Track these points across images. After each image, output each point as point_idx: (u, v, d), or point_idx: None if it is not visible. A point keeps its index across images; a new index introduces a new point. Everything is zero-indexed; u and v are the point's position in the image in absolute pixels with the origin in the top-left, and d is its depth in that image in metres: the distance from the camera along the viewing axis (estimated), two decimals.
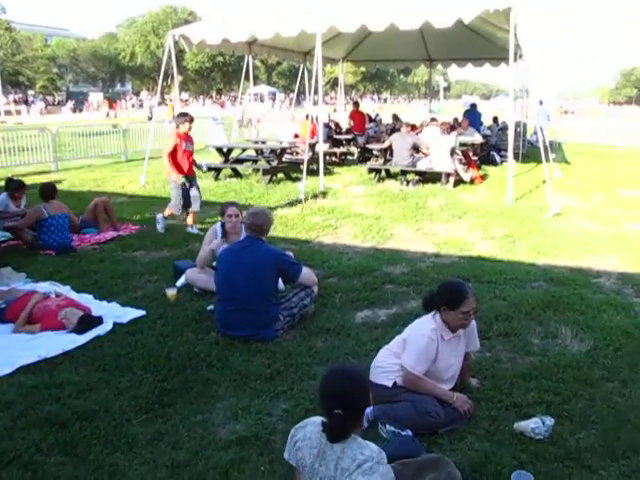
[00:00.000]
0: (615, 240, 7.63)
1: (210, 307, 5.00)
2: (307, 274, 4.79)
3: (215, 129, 18.91)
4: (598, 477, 2.95)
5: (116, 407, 3.57)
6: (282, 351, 4.30)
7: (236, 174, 12.85)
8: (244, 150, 14.01)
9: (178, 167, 7.69)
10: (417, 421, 3.25)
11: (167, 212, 7.93)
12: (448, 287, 3.49)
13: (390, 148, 12.73)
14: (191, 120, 7.83)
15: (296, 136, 15.17)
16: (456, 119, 17.08)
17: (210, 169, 12.65)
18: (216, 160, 13.26)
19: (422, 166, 11.83)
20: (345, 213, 9.12)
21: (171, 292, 5.35)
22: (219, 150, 13.16)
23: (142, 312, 5.04)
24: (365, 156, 15.47)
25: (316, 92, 11.43)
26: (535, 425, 3.28)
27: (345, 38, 15.18)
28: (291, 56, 17.30)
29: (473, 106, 18.23)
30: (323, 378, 2.32)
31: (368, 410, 3.14)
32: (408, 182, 11.86)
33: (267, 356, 4.24)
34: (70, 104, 53.96)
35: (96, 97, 60.91)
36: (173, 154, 7.68)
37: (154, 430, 3.35)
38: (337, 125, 17.95)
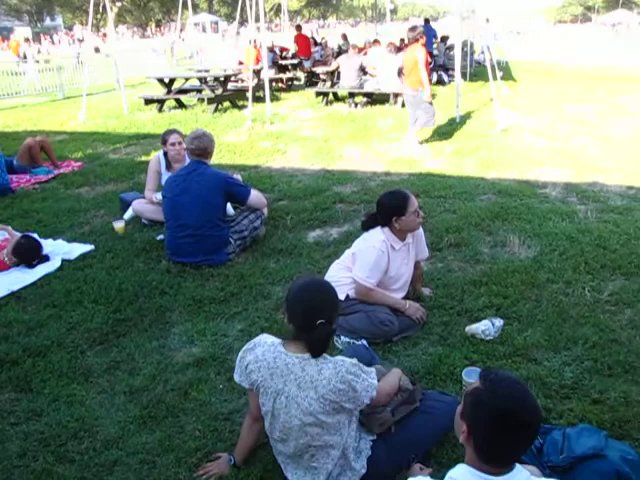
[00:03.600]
0: (561, 153, 7.77)
1: (160, 236, 4.90)
2: (256, 196, 4.72)
3: (155, 60, 18.11)
4: (543, 368, 3.10)
5: (69, 341, 3.51)
6: (235, 274, 4.29)
7: (180, 105, 12.45)
8: (187, 80, 13.50)
9: None
10: (372, 330, 3.31)
11: None
12: (388, 198, 3.43)
13: (337, 71, 12.47)
14: None
15: (240, 63, 14.70)
16: (402, 40, 16.74)
17: (152, 101, 12.20)
18: (158, 92, 12.75)
19: (370, 87, 11.68)
20: (294, 137, 8.99)
21: (119, 225, 5.21)
22: (161, 81, 12.63)
23: (90, 247, 4.91)
24: (312, 80, 15.14)
25: (258, 19, 11.00)
26: (485, 327, 3.40)
27: None
28: None
29: (426, 21, 17.83)
30: (298, 294, 2.21)
31: None
32: (356, 104, 11.73)
33: (220, 280, 4.22)
34: None
35: (22, 32, 56.83)
36: None
37: (110, 359, 3.33)
38: (283, 50, 17.40)
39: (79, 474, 2.50)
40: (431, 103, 8.05)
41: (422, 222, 3.49)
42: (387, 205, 3.40)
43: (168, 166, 5.35)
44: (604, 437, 2.32)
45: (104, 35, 45.21)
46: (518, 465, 1.58)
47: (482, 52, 16.25)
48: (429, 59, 14.28)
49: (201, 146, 4.51)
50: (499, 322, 3.45)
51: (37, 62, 18.36)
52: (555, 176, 6.75)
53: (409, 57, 7.88)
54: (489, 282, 4.07)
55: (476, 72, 16.42)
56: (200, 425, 2.75)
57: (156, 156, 5.50)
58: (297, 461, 2.27)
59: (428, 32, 16.55)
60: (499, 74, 12.39)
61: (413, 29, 7.98)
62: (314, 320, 2.11)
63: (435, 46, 17.49)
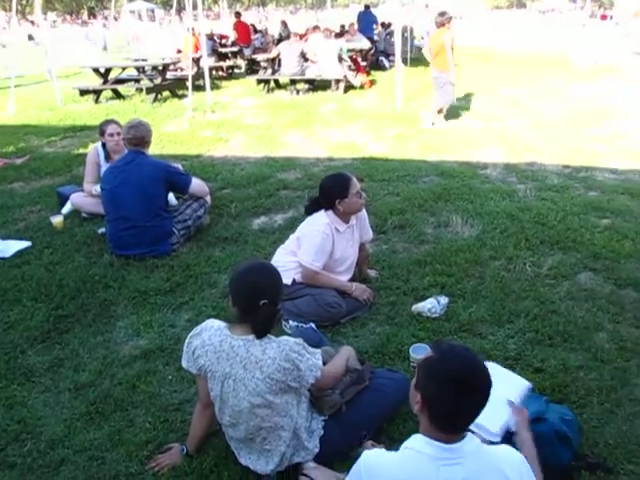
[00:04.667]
0: (499, 135, 7.97)
1: (101, 230, 4.76)
2: (198, 184, 4.65)
3: (90, 48, 17.53)
4: (488, 342, 3.19)
5: (7, 341, 3.37)
6: (180, 264, 4.22)
7: (118, 95, 12.08)
8: (124, 69, 13.10)
9: None
10: (319, 313, 3.33)
11: None
12: (330, 181, 3.45)
13: (278, 58, 12.38)
14: None
15: (179, 52, 14.39)
16: (343, 26, 16.77)
17: (88, 92, 11.81)
18: (94, 82, 12.35)
19: (311, 74, 11.66)
20: (236, 125, 8.90)
21: (57, 220, 5.03)
22: (96, 71, 12.21)
23: (27, 243, 4.72)
24: (253, 68, 14.98)
25: (195, 7, 10.79)
26: (431, 305, 3.47)
27: None
28: None
29: (367, 7, 17.82)
30: (240, 277, 2.20)
31: None
32: (298, 91, 11.70)
33: (165, 270, 4.15)
34: None
35: None
36: None
37: (52, 357, 3.22)
38: (222, 37, 17.14)
39: (21, 478, 2.41)
40: (452, 84, 8.44)
41: (364, 204, 3.51)
42: (329, 188, 3.41)
43: (107, 157, 5.19)
44: (545, 402, 2.44)
45: (32, 22, 43.31)
46: (469, 433, 1.64)
47: (422, 38, 16.42)
48: (369, 45, 14.49)
49: (138, 135, 4.40)
50: (444, 300, 3.52)
51: None
52: (495, 157, 6.92)
53: (436, 41, 8.32)
54: (433, 261, 4.15)
55: (417, 57, 16.57)
56: (150, 417, 2.71)
57: (94, 148, 5.34)
58: (249, 445, 2.27)
59: (368, 18, 16.66)
60: None
61: (442, 14, 8.33)
62: (257, 301, 2.12)
63: (376, 32, 17.58)
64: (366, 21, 16.36)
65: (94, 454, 2.51)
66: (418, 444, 1.62)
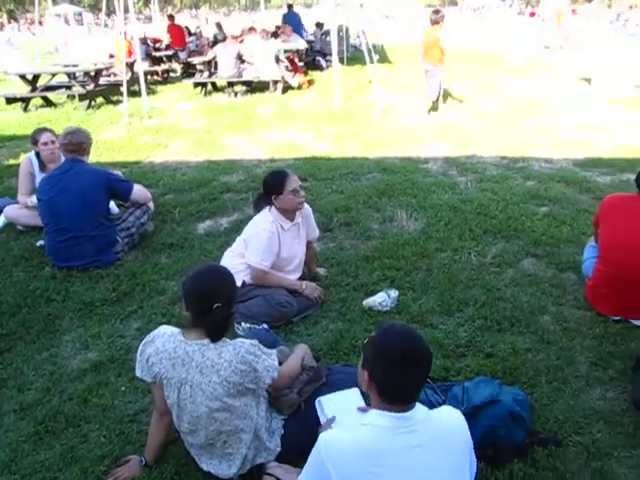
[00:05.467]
0: (439, 130, 8.14)
1: (40, 242, 4.58)
2: (139, 190, 4.54)
3: (12, 54, 16.78)
4: (439, 331, 3.26)
5: None
6: (126, 273, 4.12)
7: (48, 103, 11.64)
8: (54, 76, 12.63)
9: None
10: (271, 313, 3.32)
11: None
12: (268, 178, 3.50)
13: (214, 60, 12.26)
14: None
15: (111, 56, 14.03)
16: (278, 27, 16.73)
17: (15, 100, 11.35)
18: (21, 89, 11.87)
19: (248, 75, 11.59)
20: (174, 130, 8.75)
21: None
22: (23, 77, 11.74)
23: None
24: (189, 71, 14.76)
25: (127, 10, 10.52)
26: (382, 299, 3.52)
27: None
28: None
29: (289, 7, 17.80)
30: (192, 281, 2.17)
31: None
32: (236, 93, 11.62)
33: (111, 280, 4.03)
34: None
35: None
36: None
37: None
38: (156, 41, 16.81)
39: None
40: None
41: (302, 202, 3.49)
42: (266, 183, 3.46)
43: (42, 167, 5.00)
44: (498, 385, 2.52)
45: None
46: (419, 404, 1.71)
47: (358, 36, 16.58)
48: (305, 45, 14.52)
49: (74, 141, 4.25)
50: (394, 293, 3.57)
51: None
52: (436, 151, 7.07)
53: (429, 37, 9.02)
54: (381, 256, 4.20)
55: (353, 56, 16.73)
56: (105, 431, 2.63)
57: (27, 157, 5.13)
58: (210, 450, 2.24)
59: (295, 18, 16.68)
60: (375, 57, 12.72)
61: (436, 12, 9.12)
62: (210, 304, 2.10)
63: (311, 32, 17.65)
64: (294, 21, 16.37)
65: (45, 476, 2.40)
66: (373, 418, 1.68)
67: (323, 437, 1.69)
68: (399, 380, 1.65)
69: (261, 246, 3.36)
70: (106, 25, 30.40)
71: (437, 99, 9.27)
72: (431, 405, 2.40)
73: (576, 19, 30.78)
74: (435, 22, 8.93)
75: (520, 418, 2.38)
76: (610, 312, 3.32)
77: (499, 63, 15.32)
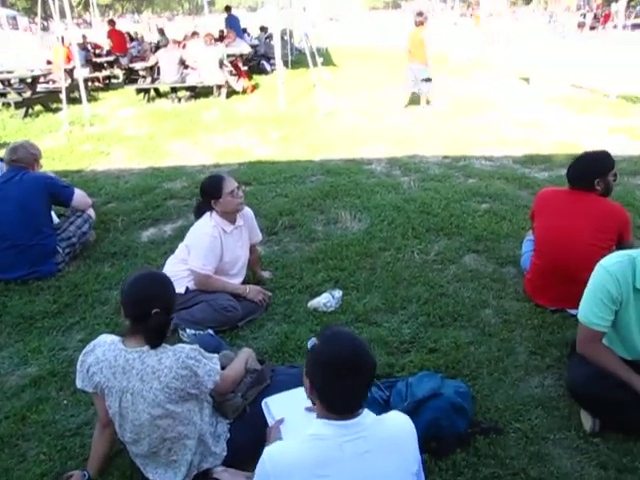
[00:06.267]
0: (381, 132, 8.24)
1: None
2: (80, 196, 4.43)
3: None
4: (383, 329, 3.31)
5: None
6: (67, 284, 4.01)
7: None
8: None
9: None
10: (216, 318, 3.30)
11: None
12: (206, 183, 3.48)
13: (157, 66, 12.09)
14: None
15: (49, 62, 13.65)
16: (222, 31, 16.63)
17: None
18: None
19: (192, 80, 11.48)
20: (117, 138, 8.57)
21: None
22: None
23: None
24: (131, 77, 14.49)
25: (64, 15, 10.26)
26: (326, 300, 3.54)
27: None
28: None
29: (227, 9, 17.66)
30: (130, 286, 2.15)
31: None
32: (180, 99, 11.49)
33: (51, 292, 3.92)
34: None
35: None
36: None
37: None
38: (96, 47, 16.45)
39: None
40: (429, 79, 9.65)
41: (241, 203, 3.48)
42: (204, 189, 3.44)
43: None
44: (440, 379, 2.58)
45: None
46: (366, 410, 1.70)
47: (302, 40, 16.65)
48: (250, 49, 14.47)
49: (14, 157, 4.21)
50: (338, 293, 3.61)
51: None
52: (379, 152, 7.16)
53: (415, 37, 9.54)
54: (325, 257, 4.23)
55: (298, 59, 16.78)
56: (45, 447, 2.55)
57: None
58: (155, 459, 2.21)
59: (233, 21, 16.61)
60: (319, 60, 12.80)
61: (420, 14, 9.65)
62: (148, 310, 2.08)
63: (256, 36, 17.60)
64: (235, 24, 16.28)
65: None
66: (318, 428, 1.66)
67: (268, 451, 1.68)
68: (340, 390, 1.63)
69: (203, 250, 3.34)
70: (43, 29, 29.55)
71: (424, 94, 9.72)
72: (376, 402, 2.45)
73: (513, 21, 31.76)
74: (420, 23, 9.51)
75: (462, 409, 2.44)
76: (547, 303, 3.43)
77: (443, 64, 15.65)
